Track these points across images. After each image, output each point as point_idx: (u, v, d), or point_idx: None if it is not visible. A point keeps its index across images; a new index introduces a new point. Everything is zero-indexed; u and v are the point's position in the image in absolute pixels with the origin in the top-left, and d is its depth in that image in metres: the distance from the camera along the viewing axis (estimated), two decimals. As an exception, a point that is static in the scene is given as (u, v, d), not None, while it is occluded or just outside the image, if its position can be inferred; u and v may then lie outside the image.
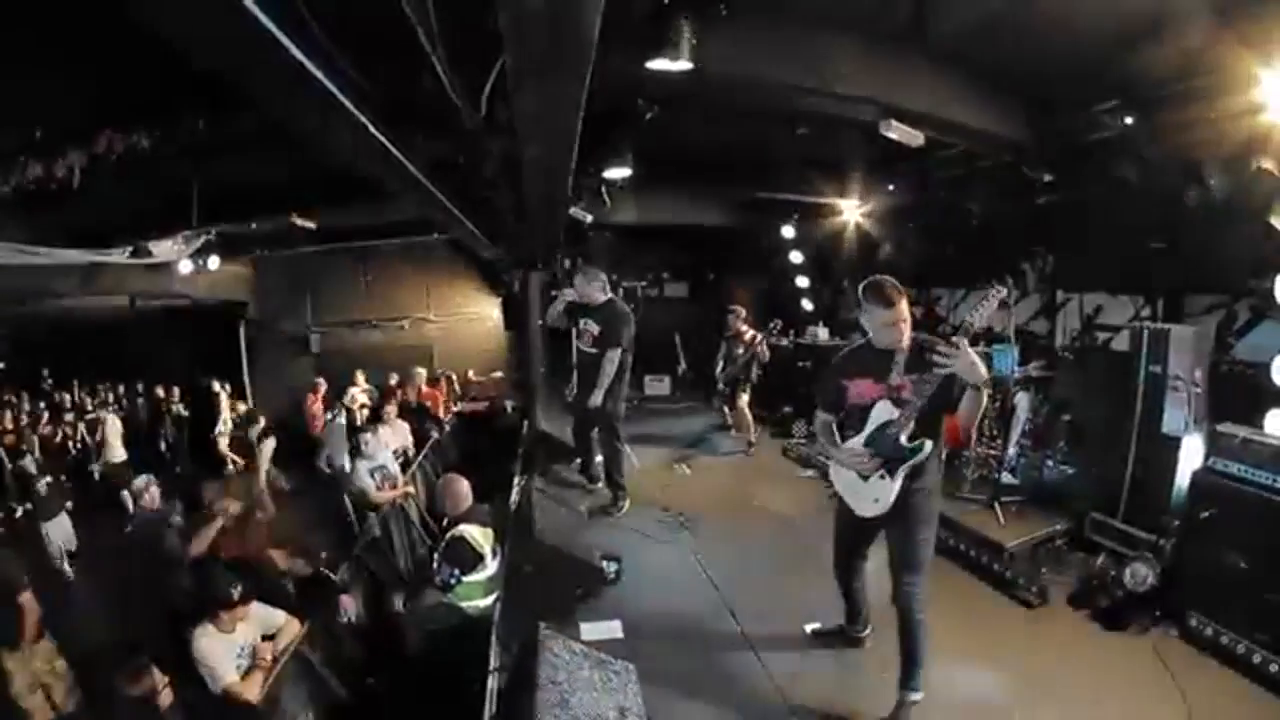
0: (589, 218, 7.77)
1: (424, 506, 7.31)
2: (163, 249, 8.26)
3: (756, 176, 8.19)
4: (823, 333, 9.22)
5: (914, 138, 4.84)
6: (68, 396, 11.97)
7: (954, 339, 2.99)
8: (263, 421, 10.69)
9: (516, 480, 6.22)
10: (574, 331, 5.72)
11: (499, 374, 12.08)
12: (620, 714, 2.96)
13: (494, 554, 4.72)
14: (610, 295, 5.66)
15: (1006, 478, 5.46)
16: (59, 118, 5.38)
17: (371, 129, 3.23)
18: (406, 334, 12.95)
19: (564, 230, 7.31)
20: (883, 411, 3.19)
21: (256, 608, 4.09)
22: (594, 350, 5.51)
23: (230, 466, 10.96)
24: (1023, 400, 5.77)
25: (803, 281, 10.38)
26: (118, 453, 9.57)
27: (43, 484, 7.66)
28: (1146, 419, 4.70)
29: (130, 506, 6.93)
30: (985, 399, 3.12)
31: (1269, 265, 4.21)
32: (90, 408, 11.26)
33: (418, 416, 9.69)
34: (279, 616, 4.23)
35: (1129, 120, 4.64)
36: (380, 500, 6.79)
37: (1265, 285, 4.24)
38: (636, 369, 6.70)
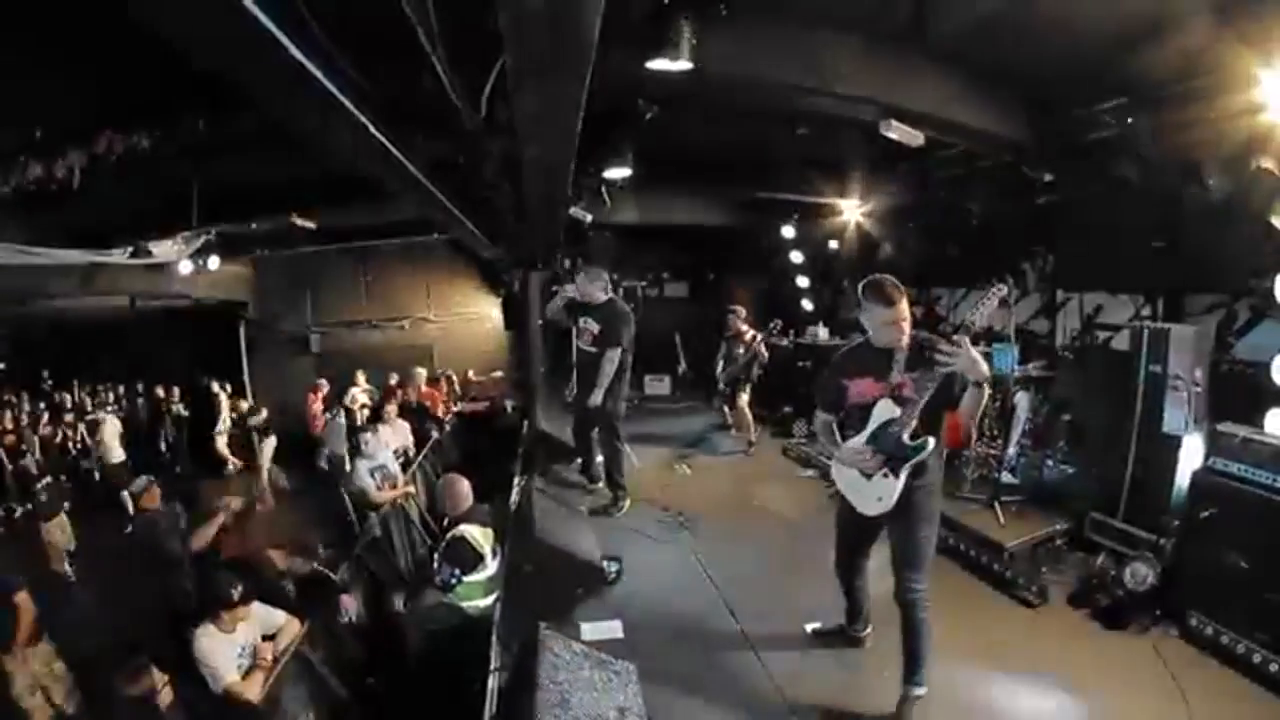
0: (589, 217, 7.76)
1: (424, 506, 7.31)
2: (163, 249, 8.26)
3: (757, 176, 8.19)
4: (823, 332, 9.22)
5: (914, 137, 4.84)
6: (68, 397, 12.00)
7: (955, 337, 3.00)
8: (264, 413, 10.74)
9: (516, 480, 6.22)
10: (574, 331, 5.73)
11: (499, 374, 12.09)
12: (620, 714, 2.95)
13: (494, 554, 4.72)
14: (611, 295, 5.66)
15: (1006, 477, 5.46)
16: (59, 118, 5.38)
17: (371, 129, 3.24)
18: (406, 334, 12.97)
19: (564, 230, 7.31)
20: (884, 410, 3.19)
21: (257, 607, 4.10)
22: (593, 349, 5.51)
23: (230, 466, 10.99)
24: (1023, 400, 5.77)
25: (803, 281, 10.38)
26: (116, 454, 9.57)
27: (43, 484, 7.67)
28: (1146, 418, 4.69)
29: (130, 507, 6.95)
30: (986, 395, 3.12)
31: (1269, 265, 4.21)
32: (90, 408, 11.27)
33: (418, 416, 9.69)
34: (279, 616, 4.24)
35: (1129, 120, 4.64)
36: (380, 500, 6.79)
37: (1265, 285, 4.23)
38: (637, 369, 6.71)
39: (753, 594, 4.36)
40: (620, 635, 3.83)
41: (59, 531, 7.14)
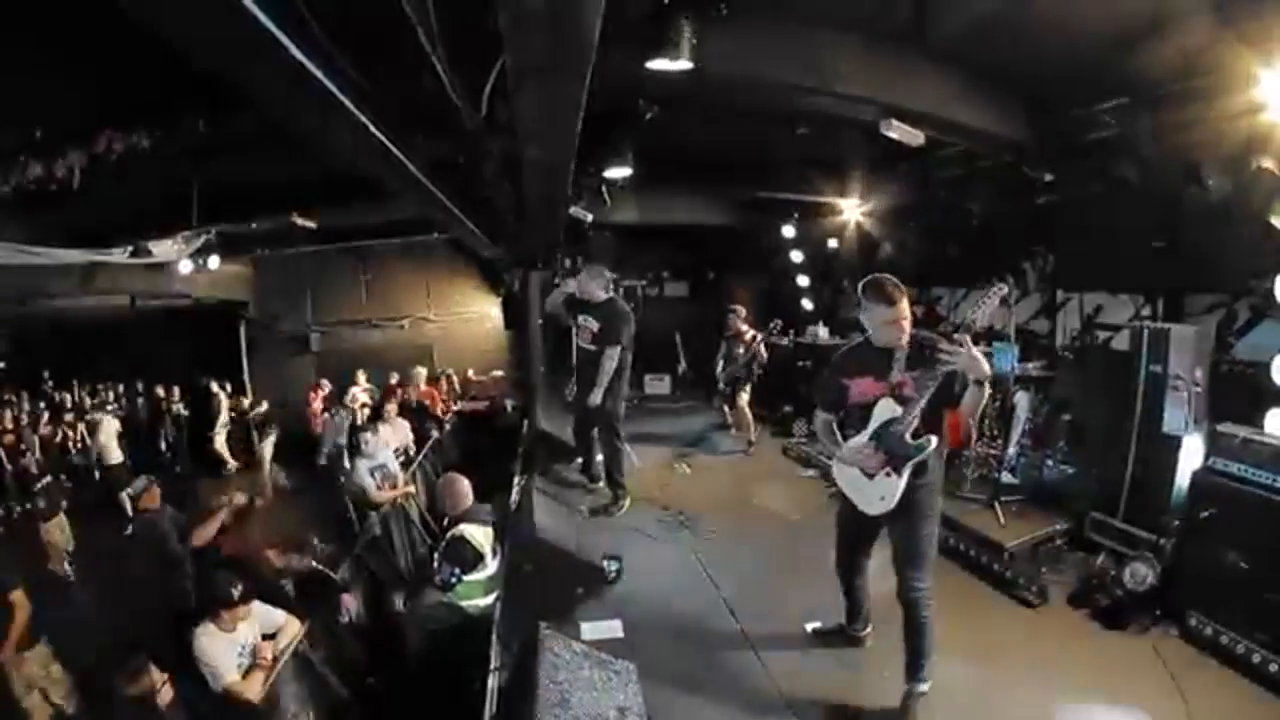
0: (589, 217, 7.77)
1: (424, 506, 7.31)
2: (163, 249, 8.27)
3: (757, 176, 8.20)
4: (823, 332, 9.22)
5: (914, 137, 4.85)
6: (68, 396, 12.00)
7: (956, 336, 3.00)
8: (265, 405, 10.76)
9: (517, 479, 6.23)
10: (573, 329, 5.73)
11: (499, 373, 12.09)
12: (620, 713, 2.96)
13: (494, 553, 4.73)
14: (611, 294, 5.66)
15: (1006, 477, 5.45)
16: (59, 118, 5.39)
17: (371, 129, 3.24)
18: (406, 333, 12.98)
19: (564, 230, 7.32)
20: (885, 409, 3.20)
21: (257, 606, 4.09)
22: (593, 347, 5.51)
23: (228, 466, 11.02)
24: (1023, 400, 5.77)
25: (803, 281, 10.38)
26: (114, 455, 9.58)
27: (42, 484, 7.67)
28: (1147, 418, 4.69)
29: (129, 508, 6.95)
30: (986, 394, 3.13)
31: (1269, 265, 4.20)
32: (89, 407, 11.27)
33: (417, 416, 9.69)
34: (279, 615, 4.24)
35: (1129, 120, 4.64)
36: (380, 499, 6.79)
37: (1265, 285, 4.23)
38: (637, 368, 6.71)
39: (753, 593, 4.36)
40: (620, 635, 3.82)
41: (58, 531, 7.15)
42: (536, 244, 7.06)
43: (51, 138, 5.55)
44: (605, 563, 4.46)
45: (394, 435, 8.01)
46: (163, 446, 11.39)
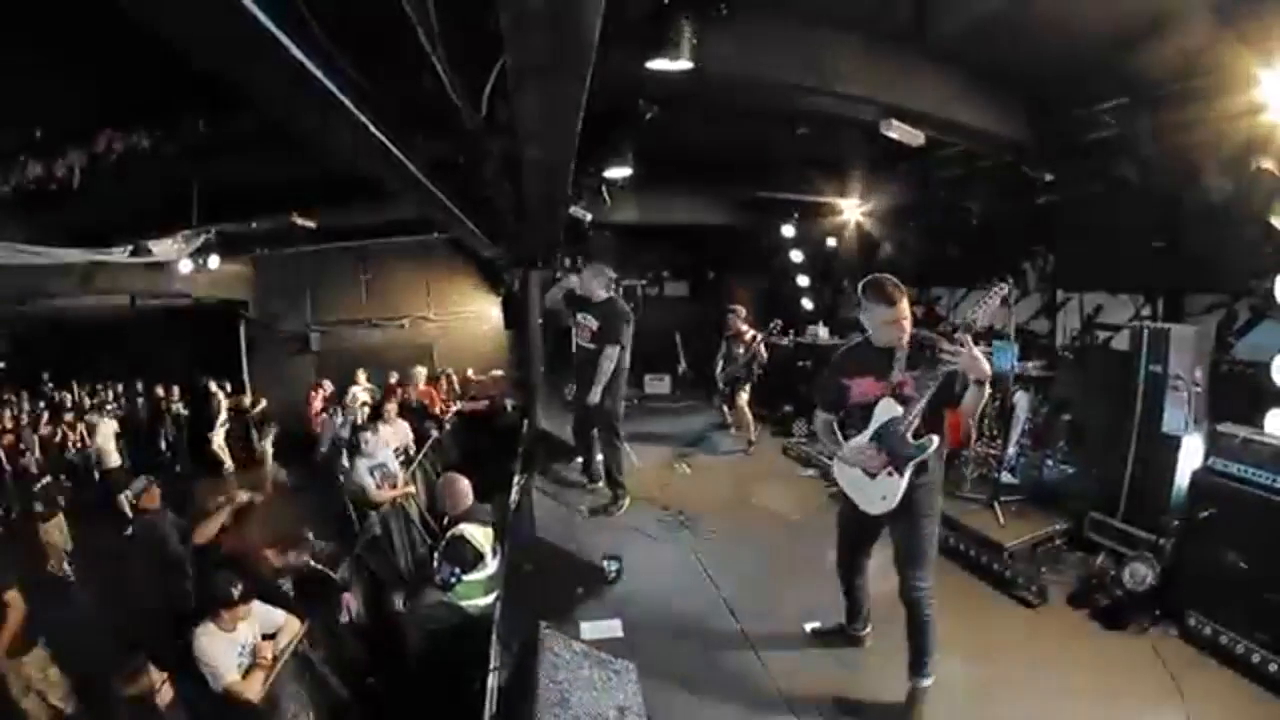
0: (589, 217, 7.77)
1: (424, 505, 7.31)
2: (162, 248, 8.28)
3: (757, 176, 8.20)
4: (823, 332, 9.22)
5: (914, 137, 4.85)
6: (68, 396, 11.99)
7: (958, 335, 3.00)
8: (264, 403, 10.76)
9: (516, 479, 6.23)
10: (572, 327, 5.73)
11: (499, 373, 12.08)
12: (620, 713, 2.96)
13: (494, 553, 4.73)
14: (611, 294, 5.66)
15: (1006, 477, 5.45)
16: (59, 118, 5.39)
17: (371, 129, 3.24)
18: (406, 332, 12.97)
19: (564, 229, 7.31)
20: (886, 409, 3.20)
21: (257, 606, 4.10)
22: (592, 346, 5.52)
23: (226, 466, 11.01)
24: (1022, 400, 5.77)
25: (803, 281, 10.38)
26: (112, 458, 9.56)
27: (41, 485, 7.66)
28: (1146, 418, 4.69)
29: (128, 510, 6.94)
30: (987, 394, 3.13)
31: (1269, 265, 4.21)
32: (88, 408, 11.27)
33: (417, 415, 9.69)
34: (279, 615, 4.24)
35: (1129, 120, 4.64)
36: (380, 499, 6.79)
37: (1265, 285, 4.23)
38: (637, 368, 6.70)
39: (752, 593, 4.36)
40: (620, 634, 3.82)
41: (57, 532, 7.15)
42: (536, 244, 7.06)
43: (51, 138, 5.56)
44: (605, 562, 4.46)
45: (394, 435, 8.00)
46: (162, 446, 11.39)
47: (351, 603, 5.12)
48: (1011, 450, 5.63)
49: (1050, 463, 5.54)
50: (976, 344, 3.04)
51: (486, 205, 6.05)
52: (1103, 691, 3.40)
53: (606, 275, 5.62)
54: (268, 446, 10.65)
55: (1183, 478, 4.37)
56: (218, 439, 11.27)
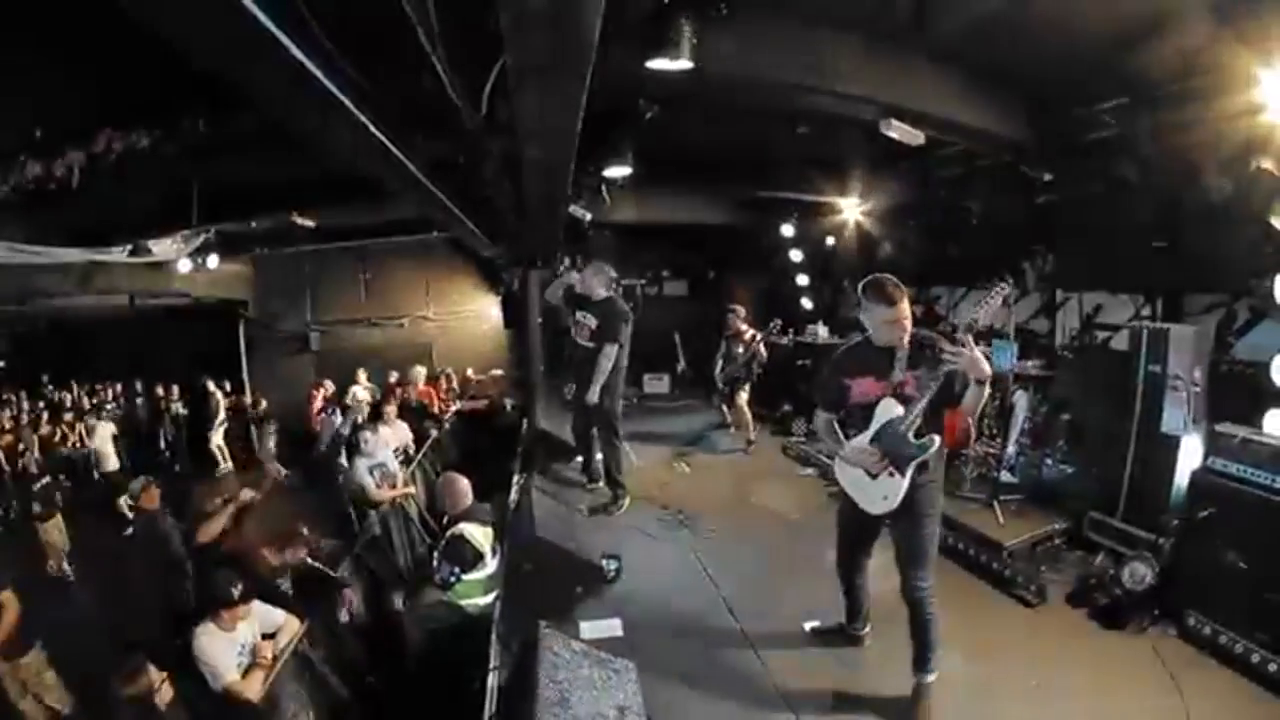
0: (589, 216, 7.76)
1: (424, 505, 7.32)
2: (162, 247, 8.29)
3: (757, 175, 8.19)
4: (823, 331, 9.22)
5: (914, 136, 4.85)
6: (67, 396, 11.99)
7: (959, 336, 3.00)
8: (265, 403, 10.77)
9: (516, 478, 6.23)
10: (571, 325, 5.74)
11: (499, 372, 12.08)
12: (620, 712, 2.96)
13: (494, 552, 4.73)
14: (611, 293, 5.66)
15: (1006, 476, 5.46)
16: (59, 117, 5.38)
17: (371, 129, 3.24)
18: (405, 332, 12.98)
19: (564, 229, 7.31)
20: (887, 409, 3.20)
21: (257, 606, 4.10)
22: (590, 345, 5.52)
23: (221, 466, 11.02)
24: (1021, 399, 5.78)
25: (803, 280, 10.38)
26: (110, 462, 9.56)
27: (40, 485, 7.66)
28: (1146, 418, 4.70)
29: (128, 511, 6.94)
30: (987, 393, 3.14)
31: (1269, 265, 4.21)
32: (88, 408, 11.27)
33: (417, 415, 9.69)
34: (279, 615, 4.24)
35: (1129, 120, 4.64)
36: (380, 498, 6.80)
37: (1265, 285, 4.23)
38: (636, 367, 6.70)
39: (752, 592, 4.36)
40: (620, 634, 3.82)
41: (56, 532, 7.14)
42: (536, 243, 7.05)
43: (51, 137, 5.54)
44: (604, 562, 4.46)
45: (393, 436, 8.00)
46: (162, 446, 11.40)
47: (352, 597, 5.12)
48: (1011, 449, 5.64)
49: (1050, 462, 5.55)
50: (976, 343, 3.05)
51: (486, 205, 6.04)
52: (1102, 690, 3.40)
53: (607, 274, 5.62)
54: (268, 446, 10.64)
55: (1182, 477, 4.38)
56: (216, 439, 11.29)
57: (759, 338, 7.74)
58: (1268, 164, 3.99)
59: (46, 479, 7.98)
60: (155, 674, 3.83)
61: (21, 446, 9.12)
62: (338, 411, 9.63)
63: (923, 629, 3.21)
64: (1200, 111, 4.20)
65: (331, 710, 4.20)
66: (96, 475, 9.54)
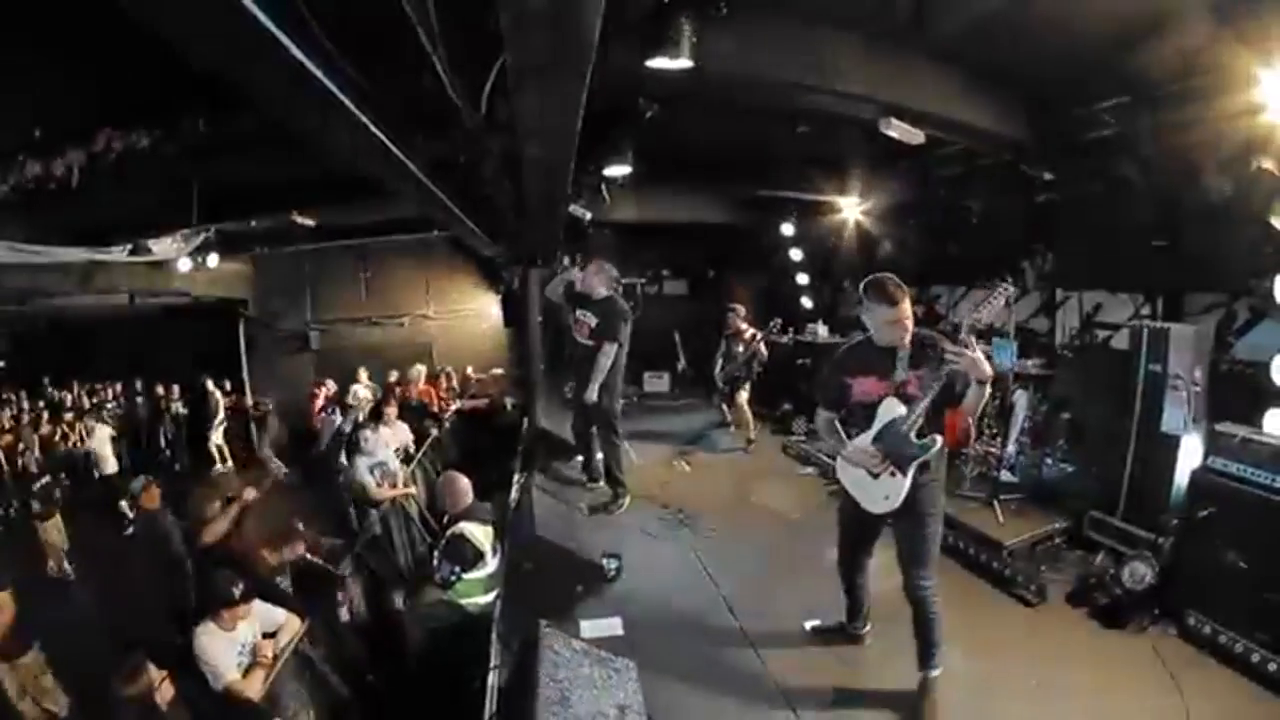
0: (589, 215, 7.76)
1: (424, 504, 7.32)
2: (162, 246, 8.29)
3: (757, 174, 8.19)
4: (823, 330, 9.22)
5: (914, 136, 4.85)
6: (68, 395, 11.99)
7: (962, 336, 3.01)
8: (270, 404, 10.77)
9: (516, 477, 6.24)
10: (571, 324, 5.74)
11: (499, 371, 12.08)
12: (620, 711, 2.96)
13: (494, 551, 4.74)
14: (612, 292, 5.66)
15: (1006, 476, 5.46)
16: (59, 117, 5.38)
17: (371, 128, 3.24)
18: (406, 331, 12.96)
19: (564, 228, 7.31)
20: (889, 409, 3.20)
21: (257, 605, 4.10)
22: (589, 343, 5.53)
23: (218, 466, 11.02)
24: (1022, 398, 5.78)
25: (803, 279, 10.37)
26: (109, 464, 9.55)
27: (40, 484, 7.66)
28: (1146, 418, 4.70)
29: (129, 512, 6.94)
30: (988, 393, 3.14)
31: (1269, 265, 4.21)
32: (88, 408, 11.27)
33: (417, 414, 9.69)
34: (279, 614, 4.24)
35: (1129, 119, 4.64)
36: (380, 497, 6.80)
37: (1265, 285, 4.23)
38: (636, 366, 6.70)
39: (752, 591, 4.37)
40: (620, 632, 3.83)
41: (55, 531, 7.14)
42: (536, 242, 7.05)
43: (51, 137, 5.54)
44: (605, 561, 4.46)
45: (393, 437, 8.00)
46: (162, 444, 11.41)
47: (353, 590, 5.12)
48: (1011, 449, 5.64)
49: (1050, 461, 5.55)
50: (975, 343, 3.05)
51: (486, 204, 6.04)
52: (1102, 690, 3.40)
53: (609, 273, 5.61)
54: (268, 445, 10.66)
55: (1182, 477, 4.38)
56: (216, 438, 11.29)
57: (759, 337, 7.74)
58: (1268, 164, 3.99)
59: (46, 478, 7.99)
60: (155, 673, 3.83)
61: (21, 446, 9.13)
62: (338, 410, 9.64)
63: (926, 627, 3.22)
64: (1200, 111, 4.20)
65: (332, 709, 4.21)
66: (96, 475, 9.54)
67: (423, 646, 4.53)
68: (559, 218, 6.51)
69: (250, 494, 5.32)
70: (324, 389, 10.77)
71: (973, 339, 3.01)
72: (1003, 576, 4.45)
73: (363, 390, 10.55)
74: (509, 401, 10.51)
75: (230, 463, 11.29)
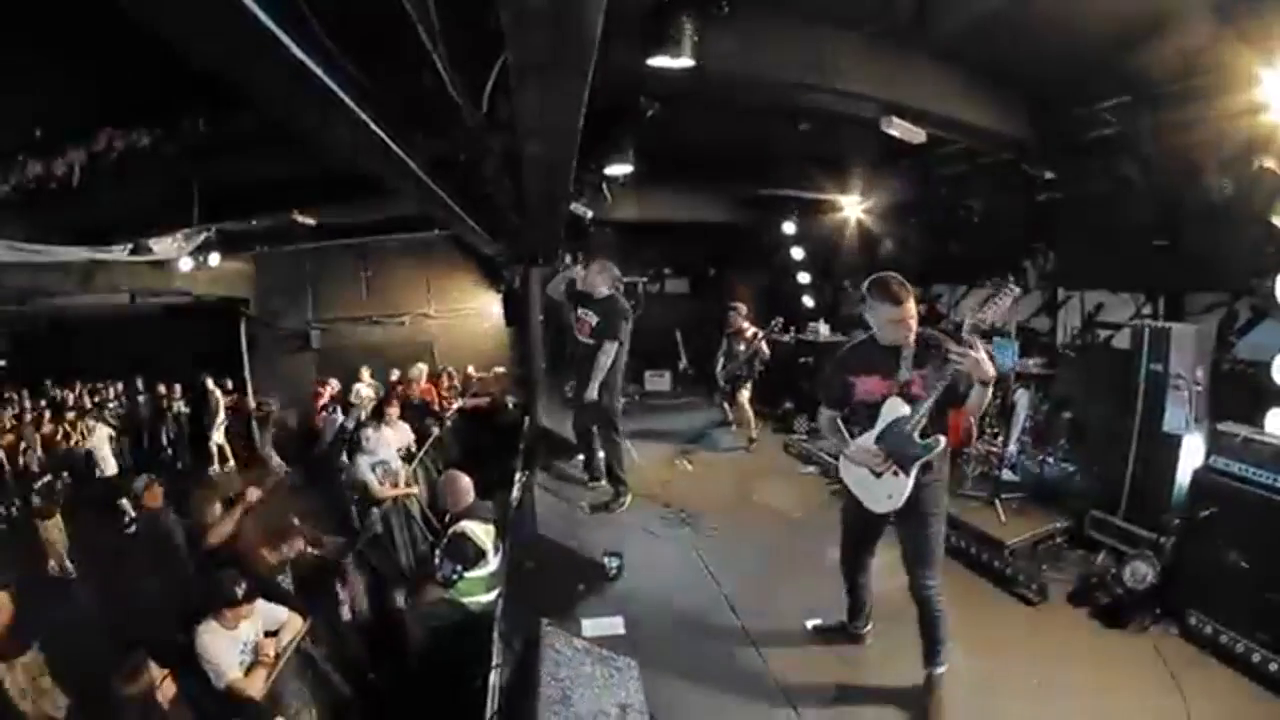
0: (590, 214, 7.76)
1: (425, 502, 7.32)
2: (163, 246, 8.29)
3: (758, 173, 8.19)
4: (824, 329, 9.20)
5: (915, 134, 4.84)
6: (69, 395, 12.00)
7: (965, 337, 3.01)
8: (274, 404, 10.79)
9: (518, 476, 6.24)
10: (572, 322, 5.74)
11: (500, 369, 12.09)
12: (622, 710, 2.96)
13: (496, 550, 4.74)
14: (613, 291, 5.66)
15: (1007, 475, 5.46)
16: (59, 117, 5.38)
17: (372, 127, 3.23)
18: (407, 330, 12.97)
19: (565, 226, 7.30)
20: (893, 408, 3.20)
21: (259, 604, 4.10)
22: (590, 341, 5.54)
23: (216, 466, 11.03)
24: (1023, 397, 5.77)
25: (804, 278, 10.38)
26: (109, 466, 9.56)
27: (40, 483, 7.67)
28: (1147, 417, 4.69)
29: (130, 510, 6.94)
30: (990, 393, 3.14)
31: (1270, 264, 4.20)
32: (89, 407, 11.28)
33: (418, 413, 9.70)
34: (281, 612, 4.25)
35: (1130, 119, 4.64)
36: (382, 495, 6.81)
37: (1266, 284, 4.22)
38: (638, 365, 6.70)
39: (754, 590, 4.37)
40: (621, 631, 3.83)
41: (56, 530, 7.15)
42: (537, 240, 7.04)
43: (51, 137, 5.54)
44: (606, 559, 4.47)
45: (395, 437, 8.01)
46: (164, 443, 11.42)
47: (355, 585, 5.12)
48: (1012, 448, 5.63)
49: (1051, 461, 5.54)
50: (979, 343, 3.05)
51: (487, 202, 6.04)
52: (1103, 689, 3.40)
53: (612, 272, 5.62)
54: (270, 444, 10.66)
55: (1183, 476, 4.37)
56: (217, 437, 11.30)
57: (760, 335, 7.74)
58: (1269, 163, 3.99)
59: (47, 477, 8.00)
60: (156, 671, 3.83)
61: (23, 445, 9.13)
62: (339, 409, 9.65)
63: (932, 625, 3.23)
64: (1202, 110, 4.20)
65: (333, 708, 4.21)
66: (97, 474, 9.54)
67: (424, 645, 4.53)
68: (560, 216, 6.51)
69: (254, 494, 5.32)
70: (328, 388, 10.79)
71: (976, 339, 3.01)
72: (1004, 576, 4.45)
73: (366, 389, 10.56)
74: (510, 400, 10.52)
75: (232, 462, 11.30)
